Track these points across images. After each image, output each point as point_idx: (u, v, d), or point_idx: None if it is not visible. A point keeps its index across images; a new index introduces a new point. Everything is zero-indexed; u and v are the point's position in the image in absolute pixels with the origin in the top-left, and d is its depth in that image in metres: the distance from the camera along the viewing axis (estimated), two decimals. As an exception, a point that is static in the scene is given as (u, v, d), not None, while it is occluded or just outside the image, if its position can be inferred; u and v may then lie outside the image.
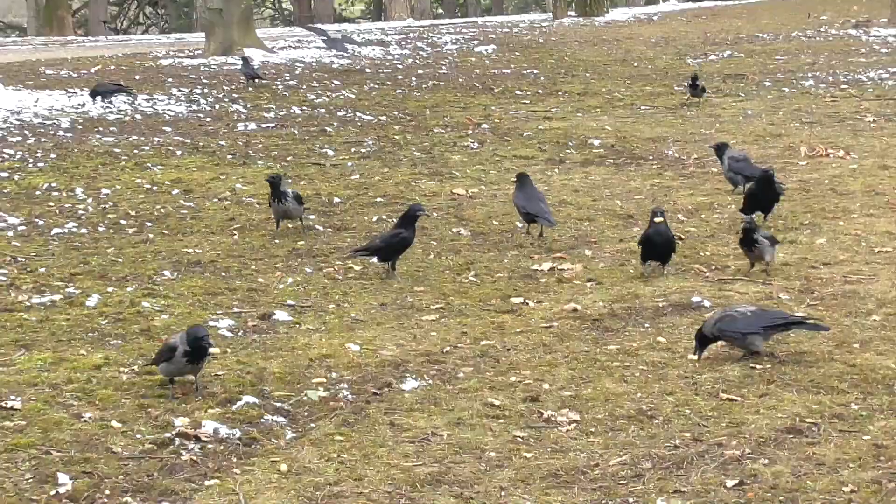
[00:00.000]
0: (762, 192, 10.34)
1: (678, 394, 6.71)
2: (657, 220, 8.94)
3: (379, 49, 27.19)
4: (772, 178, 10.41)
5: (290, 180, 12.52)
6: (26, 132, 15.33)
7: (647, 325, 7.97)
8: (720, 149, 12.07)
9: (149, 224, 10.87)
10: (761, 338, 7.15)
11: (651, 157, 13.97)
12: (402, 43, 29.18)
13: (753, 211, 10.38)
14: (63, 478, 5.74)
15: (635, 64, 23.77)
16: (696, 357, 7.23)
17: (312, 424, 6.45)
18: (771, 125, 15.84)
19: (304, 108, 17.89)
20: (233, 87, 20.28)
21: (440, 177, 12.98)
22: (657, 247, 8.98)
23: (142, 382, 6.96)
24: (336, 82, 20.89)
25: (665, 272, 9.11)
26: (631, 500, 5.54)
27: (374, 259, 9.33)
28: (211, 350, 6.82)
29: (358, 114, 17.28)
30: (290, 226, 10.65)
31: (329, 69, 23.09)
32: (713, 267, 9.35)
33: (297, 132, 15.73)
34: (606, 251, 9.94)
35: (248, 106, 18.05)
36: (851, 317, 7.97)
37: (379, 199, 11.86)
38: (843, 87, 19.23)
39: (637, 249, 9.19)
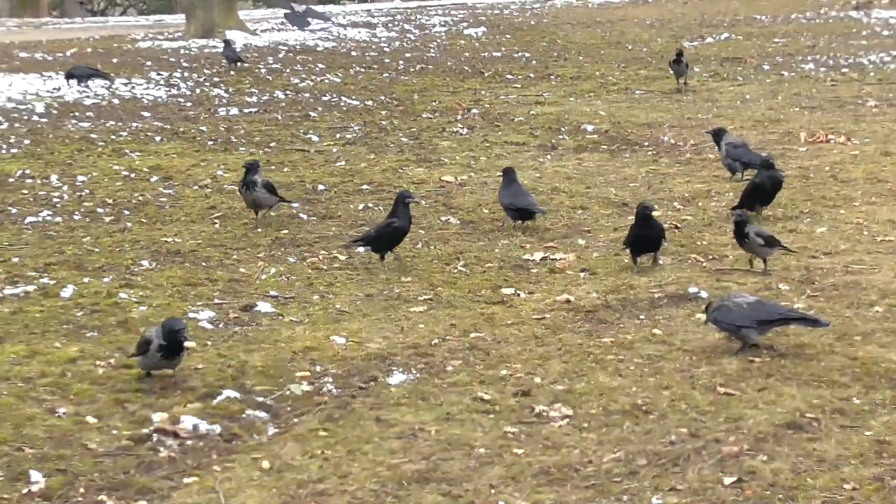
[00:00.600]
0: (768, 181, 10.26)
1: (674, 388, 6.68)
2: (650, 213, 8.86)
3: (365, 31, 27.13)
4: (773, 166, 10.35)
5: (273, 167, 12.48)
6: (-1, 117, 15.27)
7: (642, 316, 7.94)
8: (718, 134, 12.05)
9: (126, 212, 10.82)
10: (756, 332, 7.12)
11: (646, 143, 13.94)
12: (389, 25, 29.13)
13: (754, 205, 10.30)
14: (36, 475, 5.70)
15: (630, 47, 23.73)
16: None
17: (296, 420, 6.41)
18: (770, 110, 15.83)
19: (288, 92, 17.85)
20: (214, 70, 20.22)
21: (428, 163, 12.94)
22: (651, 241, 8.91)
23: (118, 376, 6.92)
24: (321, 66, 20.83)
25: (661, 261, 9.07)
26: (625, 497, 5.51)
27: (361, 249, 9.30)
28: (186, 344, 6.75)
29: (343, 98, 17.24)
30: (272, 213, 10.60)
31: (314, 52, 23.04)
32: (710, 257, 9.32)
33: (280, 117, 15.69)
34: (600, 240, 9.91)
35: (230, 90, 18.01)
36: (853, 308, 7.95)
37: (365, 187, 11.82)
38: (843, 70, 19.22)
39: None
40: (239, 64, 20.33)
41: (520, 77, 19.65)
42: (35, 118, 15.32)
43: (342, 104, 16.79)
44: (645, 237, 8.90)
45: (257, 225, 10.36)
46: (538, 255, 9.43)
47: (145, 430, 6.21)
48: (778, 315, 7.15)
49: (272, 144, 13.93)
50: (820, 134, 13.83)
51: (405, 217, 9.12)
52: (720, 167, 12.17)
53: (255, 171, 10.23)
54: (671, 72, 18.16)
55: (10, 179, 11.95)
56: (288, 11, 25.90)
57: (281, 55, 22.48)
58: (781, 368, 6.90)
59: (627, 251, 9.06)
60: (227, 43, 21.30)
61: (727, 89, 17.84)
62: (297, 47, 23.80)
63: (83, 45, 24.90)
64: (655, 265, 9.02)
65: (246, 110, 16.21)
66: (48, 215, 10.62)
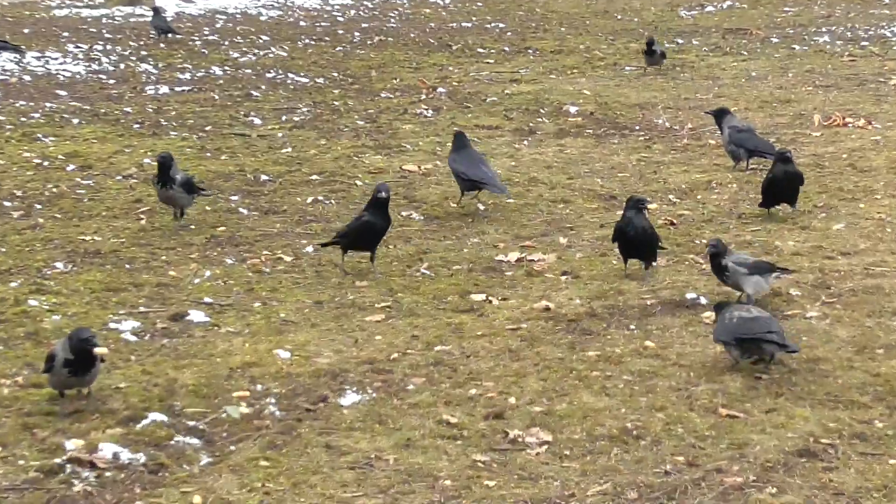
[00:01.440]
0: (783, 176, 10.16)
1: (669, 409, 6.67)
2: (644, 208, 8.81)
3: (316, -2, 27.12)
4: (790, 159, 10.21)
5: (208, 154, 12.42)
6: None
7: (632, 326, 7.93)
8: (720, 116, 12.04)
9: (38, 206, 10.75)
10: (735, 349, 7.09)
11: (637, 127, 13.96)
12: (344, -9, 29.13)
13: (775, 203, 10.25)
14: (-71, 514, 5.65)
15: (619, 16, 23.81)
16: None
17: (232, 447, 6.36)
18: (779, 89, 15.89)
19: (227, 68, 17.82)
20: (141, 42, 20.16)
21: (388, 150, 12.92)
22: (634, 243, 8.81)
23: (26, 397, 6.85)
24: (264, 38, 20.81)
25: (649, 271, 8.95)
26: (613, 536, 5.50)
27: (311, 250, 9.27)
28: (96, 350, 6.65)
29: (290, 75, 17.22)
30: (207, 208, 10.53)
31: (256, 22, 23.02)
32: (711, 257, 9.32)
33: (217, 97, 15.64)
34: (585, 239, 9.90)
35: (160, 66, 17.95)
36: (874, 317, 7.96)
37: (315, 177, 11.78)
38: (863, 44, 19.32)
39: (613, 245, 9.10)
40: (170, 35, 20.28)
41: (493, 51, 19.66)
42: (-67, 97, 15.25)
43: (289, 82, 16.76)
44: (623, 234, 8.81)
45: (189, 221, 10.29)
46: (513, 256, 9.41)
47: (57, 461, 6.13)
48: (752, 334, 7.07)
49: (208, 128, 13.87)
50: (836, 116, 13.89)
51: (377, 213, 9.00)
52: (722, 154, 12.19)
53: (171, 167, 10.03)
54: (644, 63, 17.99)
55: None
56: None
57: (219, 25, 22.44)
58: (792, 387, 6.90)
59: (617, 250, 9.02)
60: (157, 11, 21.26)
61: (730, 65, 17.90)
62: (238, 16, 23.78)
63: (-10, 13, 24.79)
64: (647, 271, 8.93)
65: (178, 88, 16.16)
66: (-53, 210, 10.57)
